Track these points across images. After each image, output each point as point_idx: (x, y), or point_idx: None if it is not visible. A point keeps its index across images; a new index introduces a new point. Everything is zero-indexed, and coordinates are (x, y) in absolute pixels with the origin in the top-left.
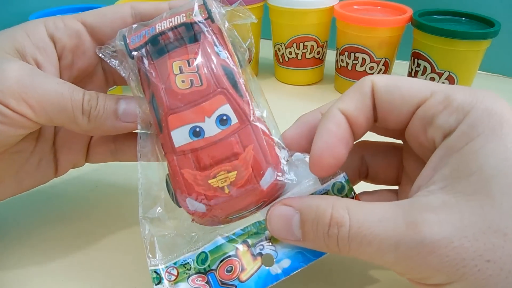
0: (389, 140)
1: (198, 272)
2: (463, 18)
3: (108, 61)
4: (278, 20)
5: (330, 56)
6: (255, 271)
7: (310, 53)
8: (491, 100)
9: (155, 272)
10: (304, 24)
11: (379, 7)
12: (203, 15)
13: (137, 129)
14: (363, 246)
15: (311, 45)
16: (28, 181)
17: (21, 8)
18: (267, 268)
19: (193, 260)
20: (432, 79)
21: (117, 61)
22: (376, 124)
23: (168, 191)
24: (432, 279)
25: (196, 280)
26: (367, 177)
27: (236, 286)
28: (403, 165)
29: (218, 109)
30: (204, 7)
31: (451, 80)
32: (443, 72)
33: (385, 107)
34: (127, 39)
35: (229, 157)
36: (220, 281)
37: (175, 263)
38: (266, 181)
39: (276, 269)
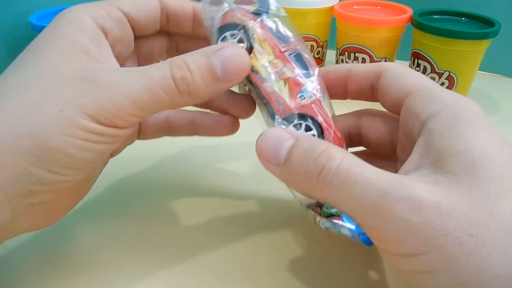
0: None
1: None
2: (463, 18)
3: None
4: None
5: (330, 56)
6: None
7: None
8: (470, 101)
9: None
10: (304, 24)
11: (379, 7)
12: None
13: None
14: (346, 184)
15: (311, 45)
16: (97, 172)
17: (21, 8)
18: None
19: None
20: (432, 79)
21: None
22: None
23: None
24: (407, 245)
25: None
26: (361, 142)
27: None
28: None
29: None
30: None
31: (451, 80)
32: (443, 72)
33: (382, 88)
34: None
35: None
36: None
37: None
38: None
39: None
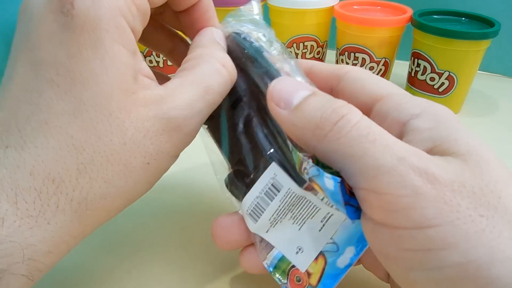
0: None
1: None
2: (463, 18)
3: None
4: (278, 20)
5: (330, 56)
6: (322, 271)
7: (310, 53)
8: (443, 106)
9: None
10: (304, 24)
11: (379, 7)
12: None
13: None
14: (364, 140)
15: (311, 45)
16: None
17: None
18: (334, 263)
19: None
20: (432, 79)
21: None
22: None
23: None
24: (418, 213)
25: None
26: None
27: None
28: None
29: None
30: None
31: (451, 80)
32: (443, 72)
33: (344, 93)
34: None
35: None
36: None
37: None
38: None
39: (343, 260)
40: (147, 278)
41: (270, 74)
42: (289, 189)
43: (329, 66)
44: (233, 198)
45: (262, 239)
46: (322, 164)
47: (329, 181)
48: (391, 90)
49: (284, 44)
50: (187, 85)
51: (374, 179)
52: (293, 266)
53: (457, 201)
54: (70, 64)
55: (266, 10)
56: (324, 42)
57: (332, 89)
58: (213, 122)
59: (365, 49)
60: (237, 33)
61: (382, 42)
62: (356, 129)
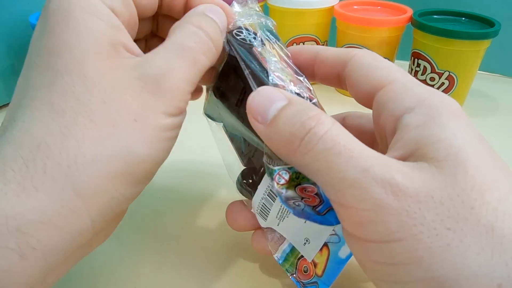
0: None
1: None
2: (463, 18)
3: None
4: (278, 20)
5: None
6: (326, 261)
7: None
8: (445, 95)
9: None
10: (304, 24)
11: (379, 7)
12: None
13: None
14: (329, 153)
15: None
16: None
17: (21, 8)
18: (336, 253)
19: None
20: (432, 79)
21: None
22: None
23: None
24: (380, 228)
25: (305, 190)
26: None
27: (317, 283)
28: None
29: None
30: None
31: (451, 80)
32: (443, 72)
33: (349, 80)
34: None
35: None
36: (302, 283)
37: (289, 168)
38: None
39: (344, 251)
40: (148, 278)
41: (256, 79)
42: None
43: (335, 52)
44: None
45: (273, 235)
46: (296, 173)
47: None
48: (393, 77)
49: (284, 44)
50: (162, 49)
51: (339, 192)
52: (301, 257)
53: (421, 213)
54: (46, 41)
55: (266, 10)
56: (324, 42)
57: (339, 74)
58: (227, 121)
59: (365, 49)
60: (236, 32)
61: (382, 42)
62: (322, 142)
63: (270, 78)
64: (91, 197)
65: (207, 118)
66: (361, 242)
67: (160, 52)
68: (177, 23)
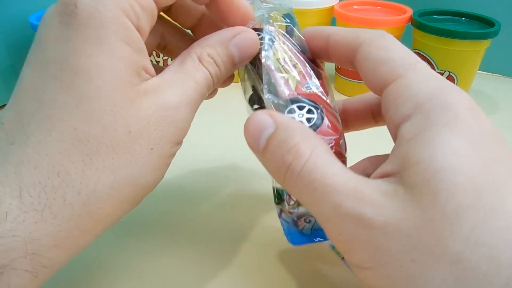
0: None
1: None
2: (463, 18)
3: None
4: None
5: None
6: None
7: None
8: (450, 94)
9: (277, 191)
10: (304, 24)
11: (379, 7)
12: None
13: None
14: (307, 188)
15: None
16: None
17: (21, 8)
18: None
19: None
20: None
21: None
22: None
23: None
24: (356, 257)
25: None
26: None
27: None
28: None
29: None
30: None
31: (451, 80)
32: (443, 72)
33: (360, 71)
34: None
35: None
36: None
37: None
38: None
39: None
40: (148, 278)
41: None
42: None
43: (345, 36)
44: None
45: None
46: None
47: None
48: (399, 74)
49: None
50: (177, 75)
51: (321, 224)
52: None
53: (388, 246)
54: (74, 59)
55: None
56: None
57: (351, 62)
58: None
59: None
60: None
61: None
62: (299, 179)
63: (265, 96)
64: (102, 220)
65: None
66: (350, 264)
67: (177, 80)
68: (194, 44)
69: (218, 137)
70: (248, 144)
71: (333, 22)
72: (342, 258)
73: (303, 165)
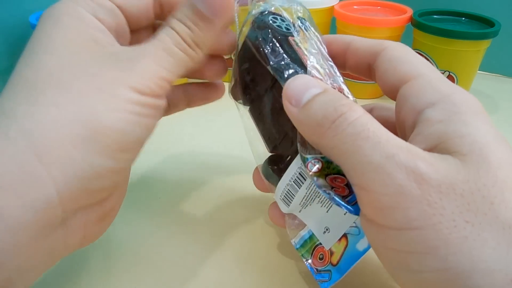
0: None
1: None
2: (463, 18)
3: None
4: None
5: None
6: (343, 251)
7: None
8: (468, 93)
9: (309, 239)
10: None
11: (379, 7)
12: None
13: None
14: (357, 137)
15: None
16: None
17: (21, 8)
18: (354, 245)
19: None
20: None
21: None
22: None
23: None
24: (400, 215)
25: (335, 180)
26: None
27: (331, 271)
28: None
29: None
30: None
31: (451, 80)
32: (443, 72)
33: (378, 71)
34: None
35: None
36: (316, 269)
37: (322, 157)
38: None
39: (362, 244)
40: (148, 278)
41: (288, 68)
42: None
43: (367, 42)
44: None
45: (292, 221)
46: (328, 163)
47: (338, 197)
48: (420, 72)
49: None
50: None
51: (363, 176)
52: (318, 245)
53: (442, 204)
54: (34, 37)
55: None
56: None
57: (369, 65)
58: (254, 105)
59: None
60: (264, 14)
61: None
62: (351, 126)
63: (308, 70)
64: (54, 163)
65: (234, 99)
66: (379, 229)
67: (136, 45)
68: (168, 18)
69: (218, 137)
70: (285, 98)
71: (333, 22)
72: (306, 261)
73: (357, 116)
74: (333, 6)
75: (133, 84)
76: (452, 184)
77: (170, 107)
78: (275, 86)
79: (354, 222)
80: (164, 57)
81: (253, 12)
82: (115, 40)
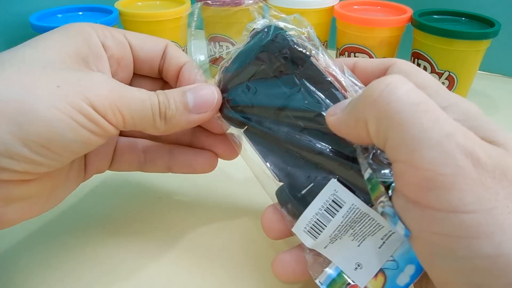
0: None
1: None
2: (463, 18)
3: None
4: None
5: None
6: None
7: None
8: (470, 102)
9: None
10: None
11: (379, 7)
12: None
13: (213, 117)
14: (415, 108)
15: None
16: (62, 190)
17: (21, 8)
18: (393, 280)
19: None
20: None
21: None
22: None
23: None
24: (457, 196)
25: None
26: None
27: None
28: None
29: None
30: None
31: (451, 80)
32: (443, 72)
33: None
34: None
35: None
36: None
37: (384, 182)
38: None
39: (403, 279)
40: (148, 278)
41: (328, 95)
42: (352, 205)
43: (373, 62)
44: (284, 211)
45: (315, 257)
46: (385, 182)
47: (400, 230)
48: (428, 84)
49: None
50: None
51: (416, 152)
52: (349, 284)
53: (496, 190)
54: (39, 37)
55: (267, 10)
56: (324, 42)
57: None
58: (252, 130)
59: (365, 49)
60: (284, 32)
61: (382, 42)
62: (407, 95)
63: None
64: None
65: (228, 122)
66: (425, 211)
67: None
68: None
69: None
70: (330, 112)
71: (333, 22)
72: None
73: (412, 86)
74: (333, 6)
75: (88, 96)
76: (504, 170)
77: (147, 163)
78: (289, 107)
79: (391, 256)
80: (133, 99)
81: (259, 26)
82: (108, 69)
